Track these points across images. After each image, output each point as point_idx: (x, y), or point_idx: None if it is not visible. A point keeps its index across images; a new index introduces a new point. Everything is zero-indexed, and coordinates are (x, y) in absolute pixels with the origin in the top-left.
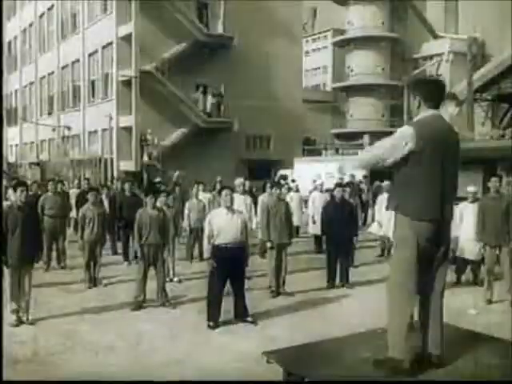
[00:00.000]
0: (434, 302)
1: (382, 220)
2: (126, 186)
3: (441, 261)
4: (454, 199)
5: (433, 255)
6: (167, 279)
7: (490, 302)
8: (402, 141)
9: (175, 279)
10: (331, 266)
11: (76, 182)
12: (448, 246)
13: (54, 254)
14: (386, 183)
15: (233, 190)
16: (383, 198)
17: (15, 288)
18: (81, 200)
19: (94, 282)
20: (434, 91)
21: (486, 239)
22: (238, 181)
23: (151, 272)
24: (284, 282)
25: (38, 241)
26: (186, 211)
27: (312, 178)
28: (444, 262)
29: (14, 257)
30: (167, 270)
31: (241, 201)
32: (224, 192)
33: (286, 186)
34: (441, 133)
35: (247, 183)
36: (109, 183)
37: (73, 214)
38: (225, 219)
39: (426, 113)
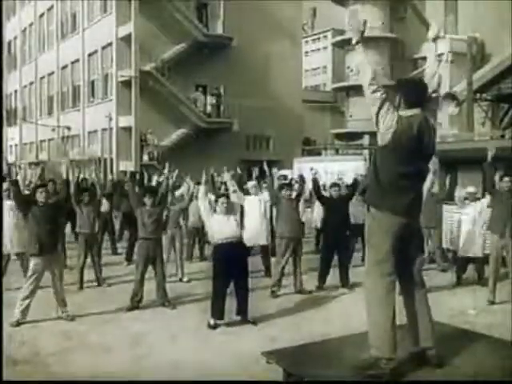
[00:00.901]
0: (418, 296)
1: None
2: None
3: (414, 254)
4: (421, 195)
5: (405, 248)
6: (177, 279)
7: (492, 302)
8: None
9: (184, 279)
10: (324, 267)
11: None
12: (421, 240)
13: None
14: None
15: (228, 197)
16: None
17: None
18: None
19: (97, 281)
20: (414, 91)
21: (494, 230)
22: (251, 183)
23: (151, 272)
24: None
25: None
26: (188, 211)
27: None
28: (417, 255)
29: (39, 247)
30: (178, 269)
31: (256, 203)
32: (220, 200)
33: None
34: (417, 133)
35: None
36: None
37: None
38: (219, 219)
39: (405, 112)
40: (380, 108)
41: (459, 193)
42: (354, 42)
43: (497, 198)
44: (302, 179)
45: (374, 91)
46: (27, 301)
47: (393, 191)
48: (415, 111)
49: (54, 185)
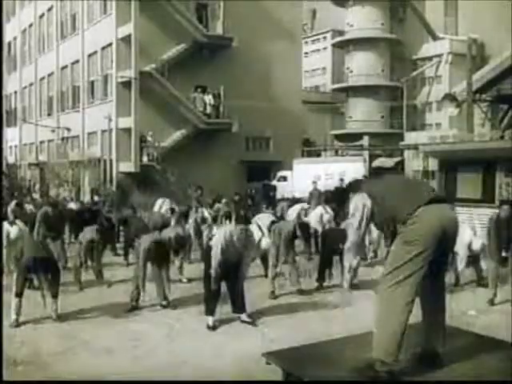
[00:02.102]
0: (438, 300)
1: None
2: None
3: (440, 263)
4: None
5: (437, 252)
6: (176, 279)
7: (492, 303)
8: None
9: (184, 280)
10: (323, 267)
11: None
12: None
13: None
14: None
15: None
16: None
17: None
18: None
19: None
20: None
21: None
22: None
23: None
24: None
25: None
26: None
27: (311, 180)
28: (443, 264)
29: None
30: (178, 270)
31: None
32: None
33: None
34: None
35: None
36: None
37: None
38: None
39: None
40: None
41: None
42: None
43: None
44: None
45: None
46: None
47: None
48: None
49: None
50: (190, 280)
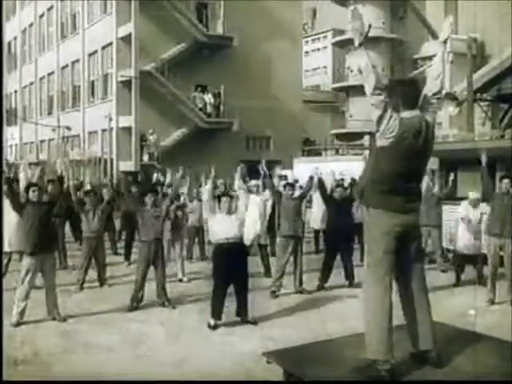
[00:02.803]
0: (418, 298)
1: None
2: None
3: (414, 255)
4: (419, 194)
5: (404, 248)
6: (177, 279)
7: (492, 302)
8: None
9: (185, 279)
10: (327, 267)
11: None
12: (419, 241)
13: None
14: None
15: (232, 197)
16: None
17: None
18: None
19: (99, 282)
20: (411, 92)
21: (490, 228)
22: (254, 182)
23: (152, 272)
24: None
25: (53, 233)
26: (189, 211)
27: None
28: (418, 256)
29: (32, 246)
30: (178, 269)
31: (257, 202)
32: (223, 199)
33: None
34: (417, 134)
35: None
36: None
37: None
38: (222, 218)
39: (404, 113)
40: (384, 111)
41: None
42: (356, 44)
43: (496, 199)
44: (310, 180)
45: (379, 94)
46: (23, 303)
47: (391, 191)
48: (414, 113)
49: (53, 185)
50: (190, 280)
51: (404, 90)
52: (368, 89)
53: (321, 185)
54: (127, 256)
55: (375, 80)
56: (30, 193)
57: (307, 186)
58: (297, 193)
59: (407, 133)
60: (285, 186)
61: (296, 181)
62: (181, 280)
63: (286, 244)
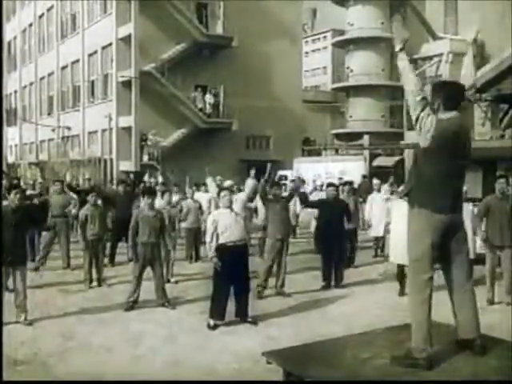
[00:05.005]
0: (464, 288)
1: (372, 220)
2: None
3: (458, 250)
4: (461, 192)
5: (449, 244)
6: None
7: (491, 302)
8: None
9: (172, 280)
10: (326, 266)
11: (75, 182)
12: (464, 234)
13: (56, 254)
14: (376, 181)
15: (232, 191)
16: (372, 198)
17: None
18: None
19: (98, 282)
20: (453, 94)
21: (490, 239)
22: (251, 181)
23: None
24: (283, 283)
25: (32, 242)
26: (185, 210)
27: (312, 179)
28: (462, 250)
29: (8, 255)
30: (167, 270)
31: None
32: (223, 193)
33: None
34: (455, 134)
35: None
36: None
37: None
38: (229, 218)
39: (443, 114)
40: (421, 111)
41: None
42: (397, 49)
43: (494, 204)
44: (299, 180)
45: (418, 95)
46: None
47: (436, 190)
48: (453, 114)
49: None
50: (177, 281)
51: (446, 91)
52: (408, 89)
53: (300, 193)
54: (111, 258)
55: (415, 79)
56: (12, 195)
57: (292, 188)
58: (284, 193)
59: (445, 133)
60: (272, 185)
61: (303, 181)
62: (168, 281)
63: (271, 245)
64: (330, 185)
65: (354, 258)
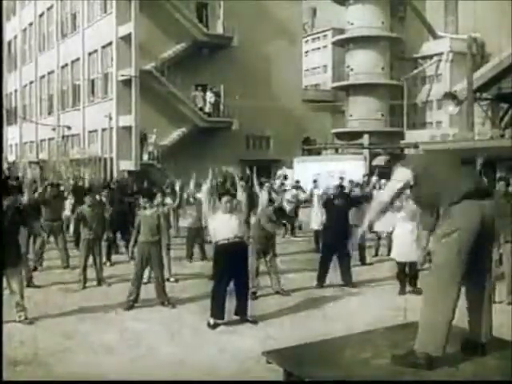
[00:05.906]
0: (479, 290)
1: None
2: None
3: (484, 252)
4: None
5: (479, 244)
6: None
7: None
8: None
9: (171, 279)
10: (323, 265)
11: (72, 182)
12: (492, 233)
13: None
14: (374, 178)
15: (234, 196)
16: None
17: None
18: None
19: (98, 281)
20: None
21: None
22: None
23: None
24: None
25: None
26: (188, 211)
27: (312, 178)
28: (486, 253)
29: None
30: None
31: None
32: (224, 199)
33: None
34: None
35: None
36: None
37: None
38: (221, 218)
39: None
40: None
41: None
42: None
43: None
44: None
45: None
46: None
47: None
48: None
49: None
50: (177, 280)
51: None
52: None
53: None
54: (108, 256)
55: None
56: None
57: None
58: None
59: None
60: (261, 185)
61: (297, 181)
62: (168, 280)
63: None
64: (338, 187)
65: (365, 256)
